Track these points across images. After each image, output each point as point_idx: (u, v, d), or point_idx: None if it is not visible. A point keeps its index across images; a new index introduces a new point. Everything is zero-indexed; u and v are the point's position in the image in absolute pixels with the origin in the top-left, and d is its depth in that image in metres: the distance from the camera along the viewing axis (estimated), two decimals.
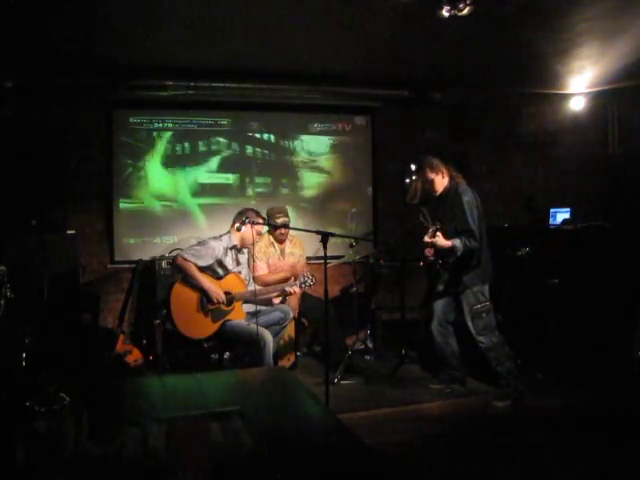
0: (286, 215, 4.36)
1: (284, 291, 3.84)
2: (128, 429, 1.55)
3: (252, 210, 3.88)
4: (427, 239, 3.51)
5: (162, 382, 2.73)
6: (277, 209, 4.41)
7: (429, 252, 3.74)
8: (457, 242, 3.49)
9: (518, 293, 4.35)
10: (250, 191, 5.26)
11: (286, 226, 4.30)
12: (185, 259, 3.56)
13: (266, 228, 4.30)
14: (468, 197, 3.57)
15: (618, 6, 3.53)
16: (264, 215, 4.11)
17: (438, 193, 3.72)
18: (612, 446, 2.89)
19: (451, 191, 3.66)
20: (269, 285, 4.04)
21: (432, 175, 3.68)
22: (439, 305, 3.83)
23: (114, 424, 1.59)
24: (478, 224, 3.55)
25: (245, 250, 3.99)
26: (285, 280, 4.10)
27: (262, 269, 4.34)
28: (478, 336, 3.61)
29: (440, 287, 3.84)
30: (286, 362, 4.34)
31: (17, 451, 1.38)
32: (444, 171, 3.69)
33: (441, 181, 3.70)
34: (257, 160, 5.28)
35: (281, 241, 4.47)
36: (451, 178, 3.70)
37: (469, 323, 3.64)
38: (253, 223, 3.73)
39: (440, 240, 3.46)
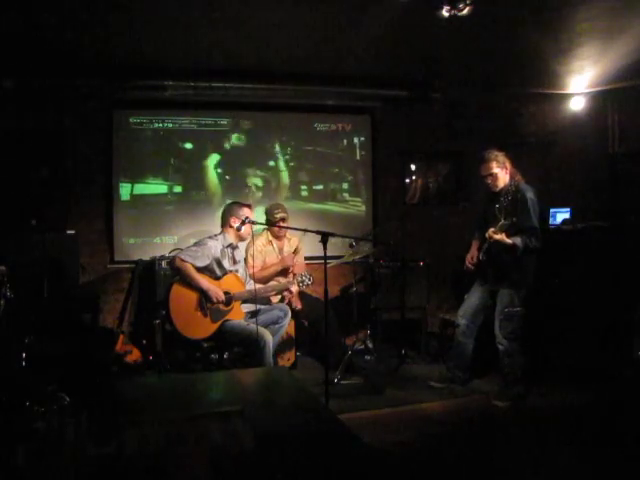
0: (284, 211, 4.37)
1: (283, 290, 3.85)
2: (128, 429, 1.55)
3: (236, 204, 3.86)
4: (492, 233, 3.45)
5: (162, 382, 2.73)
6: (275, 205, 4.44)
7: (470, 261, 3.71)
8: (518, 241, 3.44)
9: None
10: (250, 191, 5.25)
11: (286, 226, 4.31)
12: (183, 260, 3.56)
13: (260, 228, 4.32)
14: (532, 195, 3.54)
15: (618, 6, 3.54)
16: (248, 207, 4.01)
17: (498, 189, 3.66)
18: (612, 446, 2.89)
19: (511, 188, 3.60)
20: (265, 279, 4.06)
21: (497, 169, 3.62)
22: (472, 305, 3.78)
23: (114, 424, 1.59)
24: (539, 224, 3.52)
25: (241, 247, 3.99)
26: (278, 272, 4.10)
27: (255, 267, 4.31)
28: (502, 339, 3.57)
29: (478, 284, 3.78)
30: (286, 362, 4.34)
31: (17, 451, 1.38)
32: (508, 167, 3.65)
33: (504, 177, 3.64)
34: (257, 160, 5.28)
35: (280, 237, 4.48)
36: (512, 176, 3.66)
37: (496, 324, 3.59)
38: (253, 222, 3.73)
39: (503, 237, 3.42)
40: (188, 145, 5.10)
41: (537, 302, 4.32)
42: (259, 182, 5.29)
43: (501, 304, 3.58)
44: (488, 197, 3.77)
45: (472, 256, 3.75)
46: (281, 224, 4.32)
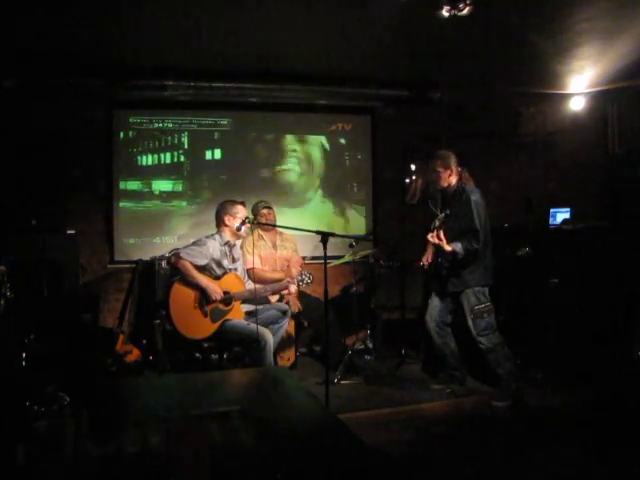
0: (267, 203, 4.49)
1: (282, 290, 3.84)
2: (128, 429, 1.55)
3: (228, 202, 3.85)
4: (430, 239, 3.55)
5: (162, 382, 2.73)
6: (259, 201, 4.53)
7: (426, 262, 3.80)
8: (458, 247, 3.50)
9: (518, 293, 4.34)
10: (249, 190, 5.25)
11: (286, 226, 4.31)
12: (181, 258, 3.56)
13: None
14: (476, 197, 3.59)
15: (618, 6, 3.54)
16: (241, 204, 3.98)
17: (440, 187, 3.73)
18: (612, 446, 2.88)
19: (458, 190, 3.66)
20: (265, 281, 4.06)
21: (440, 168, 3.69)
22: (436, 306, 3.82)
23: (114, 424, 1.59)
24: (484, 226, 3.57)
25: (238, 244, 3.99)
26: (281, 280, 4.10)
27: (254, 262, 4.30)
28: (479, 337, 3.61)
29: (438, 287, 3.84)
30: (286, 362, 4.34)
31: (17, 451, 1.38)
32: (453, 169, 3.70)
33: (447, 178, 3.70)
34: (257, 160, 5.28)
35: (268, 230, 4.49)
36: (460, 178, 3.71)
37: (470, 323, 3.63)
38: (253, 223, 3.73)
39: (442, 244, 3.49)
40: (188, 145, 5.11)
41: (537, 302, 4.34)
42: (259, 182, 5.29)
43: (469, 305, 3.63)
44: (437, 197, 3.84)
45: (427, 257, 3.85)
46: (266, 213, 4.40)
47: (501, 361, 3.60)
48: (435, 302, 3.84)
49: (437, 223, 3.57)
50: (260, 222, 4.29)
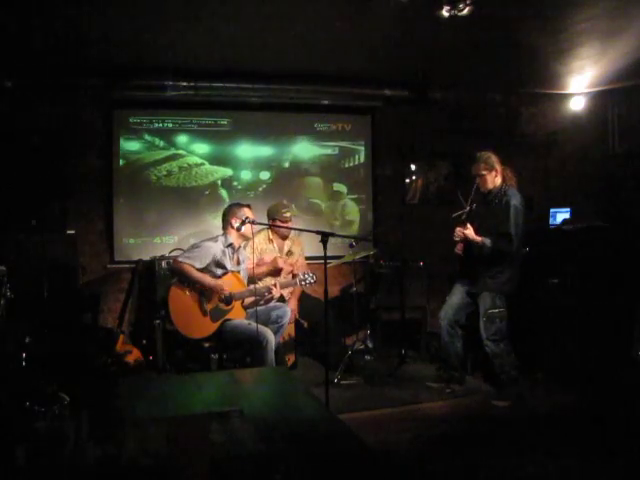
0: (291, 210, 4.43)
1: (265, 292, 3.81)
2: (128, 429, 1.55)
3: (235, 205, 3.84)
4: (458, 230, 3.54)
5: (162, 382, 2.73)
6: (282, 204, 4.45)
7: (459, 248, 3.74)
8: (487, 241, 3.50)
9: (518, 293, 4.34)
10: (250, 190, 5.25)
11: (286, 226, 4.31)
12: (182, 262, 3.57)
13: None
14: (516, 202, 3.57)
15: (618, 6, 3.53)
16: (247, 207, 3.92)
17: (487, 190, 3.71)
18: (612, 446, 2.88)
19: (500, 192, 3.64)
20: (255, 277, 4.04)
21: (484, 171, 3.67)
22: (454, 304, 3.81)
23: (114, 424, 1.59)
24: (519, 232, 3.54)
25: (243, 247, 3.97)
26: (269, 272, 4.03)
27: (251, 264, 4.22)
28: (487, 341, 3.60)
29: (459, 285, 3.83)
30: (286, 362, 4.34)
31: (17, 451, 1.38)
32: (498, 170, 3.68)
33: (492, 180, 3.68)
34: (256, 160, 5.28)
35: (284, 237, 4.46)
36: (504, 180, 3.69)
37: (481, 326, 3.62)
38: (253, 223, 3.73)
39: (470, 233, 3.49)
40: (188, 145, 5.11)
41: (536, 302, 4.34)
42: (259, 183, 5.29)
43: (483, 306, 3.63)
44: (479, 196, 3.80)
45: (460, 246, 3.75)
46: (289, 224, 4.31)
47: (506, 368, 3.60)
48: (454, 300, 3.82)
49: (464, 216, 3.53)
50: (260, 223, 4.27)
